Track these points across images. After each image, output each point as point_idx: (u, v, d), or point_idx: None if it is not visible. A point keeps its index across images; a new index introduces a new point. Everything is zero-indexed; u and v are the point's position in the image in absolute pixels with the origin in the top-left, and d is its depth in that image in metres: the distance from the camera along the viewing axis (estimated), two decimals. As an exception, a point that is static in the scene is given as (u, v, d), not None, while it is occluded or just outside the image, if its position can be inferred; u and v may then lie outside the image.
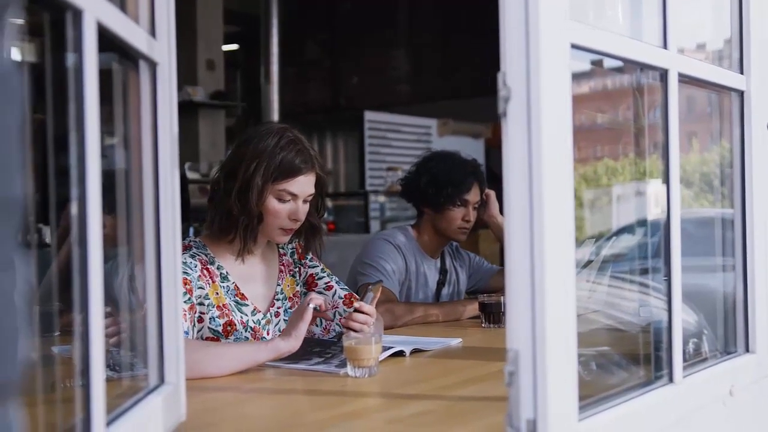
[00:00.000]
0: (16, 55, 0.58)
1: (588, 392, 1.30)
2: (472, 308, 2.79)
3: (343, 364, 1.89)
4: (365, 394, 1.74)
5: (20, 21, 0.61)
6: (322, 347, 2.10)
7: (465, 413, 1.55)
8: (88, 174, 0.98)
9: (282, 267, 2.33)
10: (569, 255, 1.20)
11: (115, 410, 1.14)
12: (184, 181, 5.87)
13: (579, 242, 1.32)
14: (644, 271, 1.94)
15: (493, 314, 2.62)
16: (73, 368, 1.42)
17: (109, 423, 1.06)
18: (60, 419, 1.13)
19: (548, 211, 1.15)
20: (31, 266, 0.62)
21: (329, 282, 2.37)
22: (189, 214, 5.38)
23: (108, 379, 1.03)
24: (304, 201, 2.18)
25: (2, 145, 0.54)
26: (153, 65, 1.31)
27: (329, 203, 7.54)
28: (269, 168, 2.11)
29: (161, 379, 1.35)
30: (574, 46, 1.23)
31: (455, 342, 2.32)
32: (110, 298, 1.21)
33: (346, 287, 2.39)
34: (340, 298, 2.33)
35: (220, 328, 2.12)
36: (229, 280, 2.18)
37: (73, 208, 0.97)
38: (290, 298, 2.32)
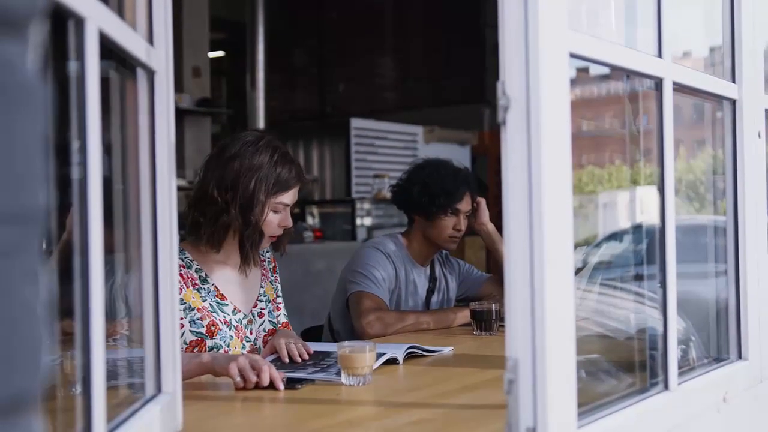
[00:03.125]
0: (38, 64, 0.58)
1: (585, 399, 1.31)
2: (463, 316, 2.80)
3: (341, 373, 1.89)
4: (360, 402, 1.73)
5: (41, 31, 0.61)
6: (316, 359, 2.10)
7: (463, 421, 1.55)
8: (89, 181, 0.97)
9: (264, 272, 2.41)
10: (568, 263, 1.20)
11: (114, 420, 1.13)
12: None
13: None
14: (633, 279, 1.95)
15: (485, 322, 2.62)
16: (66, 377, 1.41)
17: (108, 433, 1.05)
18: (59, 429, 1.12)
19: (548, 219, 1.15)
20: (52, 277, 0.62)
21: (280, 304, 2.47)
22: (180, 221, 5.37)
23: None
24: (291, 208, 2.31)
25: (28, 156, 0.55)
26: (151, 73, 1.31)
27: (315, 211, 7.53)
28: (269, 183, 2.20)
29: (158, 389, 1.34)
30: (572, 55, 1.23)
31: (447, 350, 2.32)
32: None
33: (286, 314, 2.48)
34: (265, 330, 2.36)
35: (203, 330, 2.17)
36: (208, 282, 2.24)
37: (75, 217, 0.97)
38: (273, 300, 2.41)
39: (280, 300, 2.47)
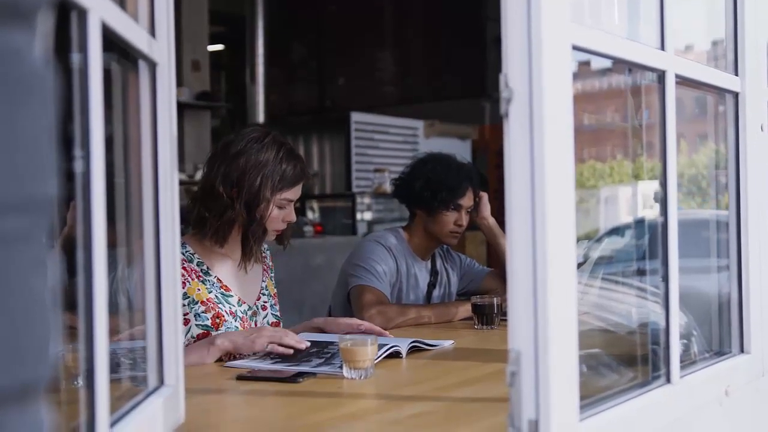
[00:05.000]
0: (47, 52, 0.58)
1: (588, 392, 1.31)
2: (465, 309, 2.80)
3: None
4: (362, 395, 1.73)
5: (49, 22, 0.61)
6: (319, 347, 2.10)
7: (465, 414, 1.55)
8: (92, 174, 0.97)
9: (265, 267, 2.44)
10: (571, 255, 1.20)
11: (117, 412, 1.13)
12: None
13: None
14: (635, 273, 1.95)
15: (486, 315, 2.62)
16: (68, 370, 1.41)
17: (111, 425, 1.05)
18: (62, 421, 1.12)
19: (550, 211, 1.15)
20: (59, 266, 0.62)
21: (274, 302, 2.47)
22: (183, 215, 5.37)
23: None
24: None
25: (37, 146, 0.55)
26: (153, 65, 1.31)
27: (315, 205, 7.54)
28: (274, 180, 2.22)
29: (161, 381, 1.34)
30: (575, 48, 1.23)
31: (448, 343, 2.32)
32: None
33: (277, 314, 2.46)
34: (268, 323, 2.40)
35: (208, 322, 2.19)
36: (211, 275, 2.26)
37: (78, 210, 0.96)
38: (273, 295, 2.44)
39: (273, 300, 2.49)
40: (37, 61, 0.57)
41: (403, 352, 2.10)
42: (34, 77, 0.56)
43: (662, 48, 1.51)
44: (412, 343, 2.17)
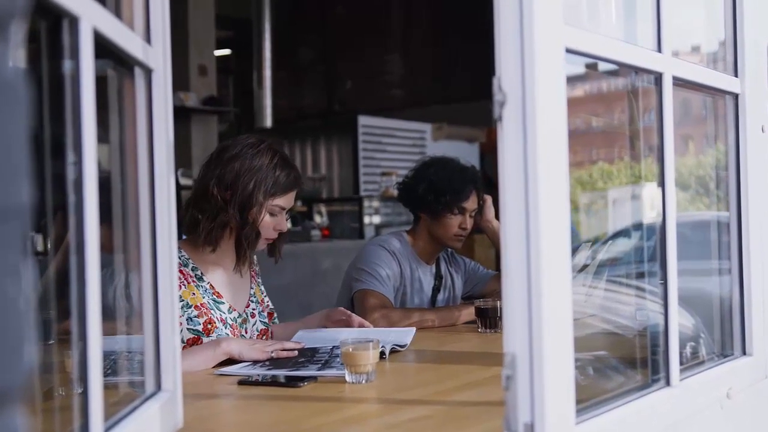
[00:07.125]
0: (21, 62, 0.59)
1: (585, 396, 1.30)
2: (468, 313, 2.79)
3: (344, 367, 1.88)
4: (363, 399, 1.73)
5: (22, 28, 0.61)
6: (306, 356, 2.10)
7: (463, 418, 1.55)
8: (85, 181, 0.97)
9: (253, 274, 2.46)
10: (565, 258, 1.20)
11: (113, 417, 1.13)
12: (177, 188, 5.86)
13: (575, 246, 1.32)
14: (640, 275, 1.94)
15: (489, 319, 2.61)
16: (68, 376, 1.41)
17: (106, 430, 1.06)
18: (57, 427, 1.13)
19: (544, 214, 1.15)
20: (35, 272, 0.63)
21: (269, 303, 2.50)
22: (180, 220, 5.39)
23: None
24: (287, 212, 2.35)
25: (9, 152, 0.55)
26: (148, 72, 1.31)
27: (323, 209, 7.53)
28: (268, 185, 2.25)
29: (158, 386, 1.34)
30: (569, 50, 1.23)
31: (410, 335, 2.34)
32: (106, 306, 1.22)
33: (265, 321, 2.45)
34: (257, 330, 2.41)
35: (200, 327, 2.21)
36: (204, 281, 2.28)
37: (71, 216, 0.97)
38: (261, 302, 2.45)
39: (267, 299, 2.50)
40: (11, 70, 0.57)
41: (386, 353, 2.13)
42: (8, 86, 0.56)
43: (659, 50, 1.50)
44: (392, 345, 2.20)
